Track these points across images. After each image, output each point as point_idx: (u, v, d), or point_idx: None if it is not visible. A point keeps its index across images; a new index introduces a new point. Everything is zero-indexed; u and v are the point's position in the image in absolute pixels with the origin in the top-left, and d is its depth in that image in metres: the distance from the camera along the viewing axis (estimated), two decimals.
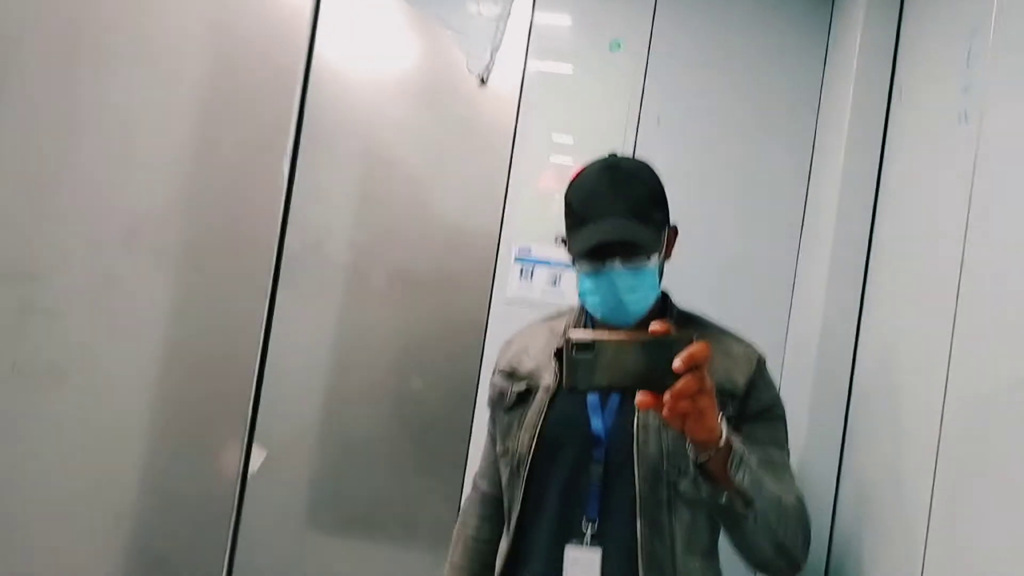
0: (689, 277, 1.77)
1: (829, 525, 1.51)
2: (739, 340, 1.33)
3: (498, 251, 1.88)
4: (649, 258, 1.24)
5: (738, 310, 1.75)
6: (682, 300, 1.40)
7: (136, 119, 1.99)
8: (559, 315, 1.45)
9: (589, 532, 1.26)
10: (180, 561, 1.89)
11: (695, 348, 0.96)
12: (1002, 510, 0.94)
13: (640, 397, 0.97)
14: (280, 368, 1.91)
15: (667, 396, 0.95)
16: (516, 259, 1.88)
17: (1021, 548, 0.88)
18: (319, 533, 1.88)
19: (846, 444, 1.52)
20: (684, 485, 1.23)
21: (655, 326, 0.98)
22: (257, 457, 1.92)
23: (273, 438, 1.90)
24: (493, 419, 1.42)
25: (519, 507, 1.31)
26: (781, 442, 1.28)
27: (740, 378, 1.26)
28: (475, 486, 1.48)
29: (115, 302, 1.96)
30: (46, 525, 1.95)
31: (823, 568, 1.51)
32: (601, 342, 0.99)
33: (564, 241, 1.33)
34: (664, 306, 1.35)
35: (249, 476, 1.88)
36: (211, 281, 1.95)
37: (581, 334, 1.00)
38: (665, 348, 0.97)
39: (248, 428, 1.90)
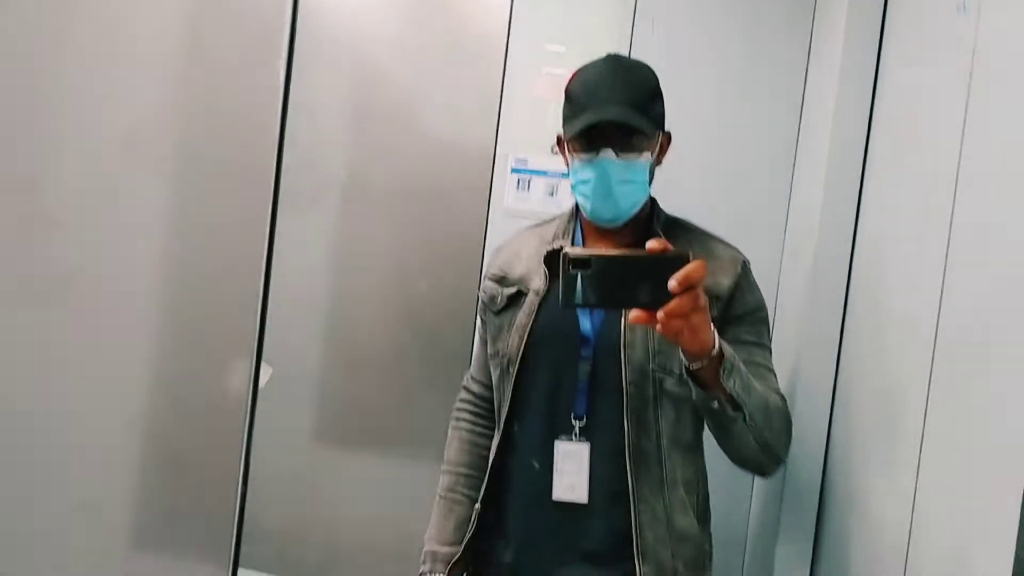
0: (685, 184, 1.77)
1: (826, 426, 1.55)
2: (724, 244, 1.35)
3: (494, 163, 1.86)
4: (643, 152, 1.27)
5: (734, 216, 1.76)
6: (677, 208, 1.41)
7: (129, 25, 1.94)
8: (549, 221, 1.46)
9: (577, 427, 1.30)
10: (194, 469, 1.94)
11: (691, 268, 0.97)
12: (998, 412, 0.96)
13: (633, 315, 0.99)
14: (283, 284, 1.92)
15: (661, 315, 0.97)
16: (512, 170, 1.87)
17: (1016, 446, 0.90)
18: (327, 444, 1.93)
19: (843, 347, 1.54)
20: (670, 383, 1.28)
21: (652, 244, 0.99)
22: (264, 373, 1.95)
23: (279, 353, 1.92)
24: (484, 322, 1.45)
25: (508, 405, 1.36)
26: (765, 343, 1.32)
27: (725, 281, 1.28)
28: (466, 387, 1.52)
29: (116, 212, 1.96)
30: (55, 437, 2.00)
31: (820, 466, 1.55)
32: (598, 258, 0.99)
33: (559, 143, 1.35)
34: (652, 211, 1.37)
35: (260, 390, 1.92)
36: (211, 191, 1.92)
37: (578, 251, 1.01)
38: (661, 266, 0.98)
39: (257, 340, 1.92)
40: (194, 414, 1.93)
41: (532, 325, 1.34)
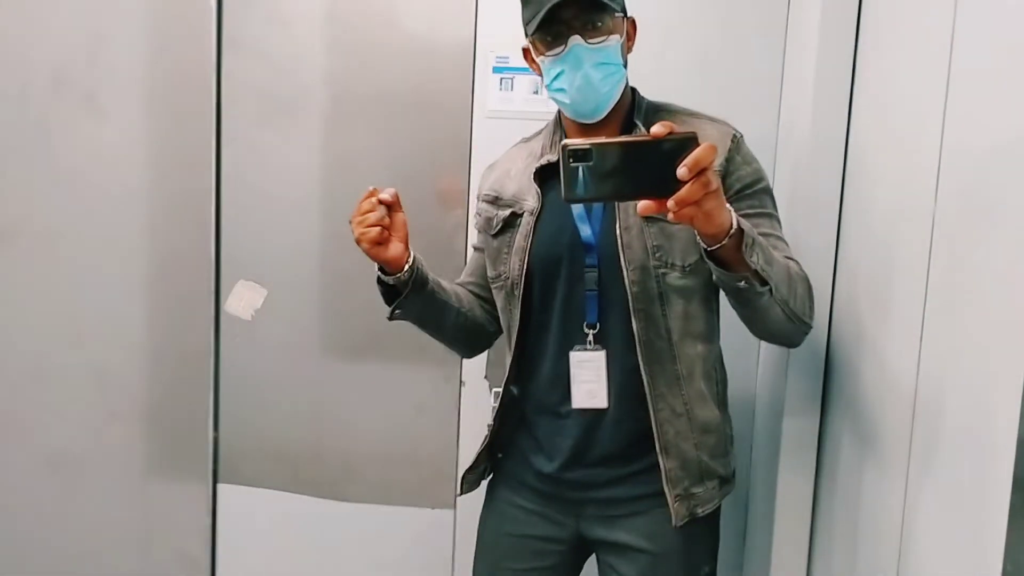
0: (673, 70, 1.73)
1: (830, 293, 1.55)
2: (713, 120, 1.32)
3: (475, 63, 1.81)
4: (612, 33, 1.23)
5: (727, 97, 1.72)
6: (669, 91, 1.37)
7: None
8: (536, 134, 1.44)
9: (591, 336, 1.30)
10: (169, 387, 1.96)
11: (700, 152, 0.92)
12: (999, 264, 0.96)
13: (642, 206, 0.95)
14: (269, 199, 1.90)
15: (671, 203, 0.93)
16: (494, 69, 1.82)
17: (1016, 299, 0.90)
18: (331, 358, 1.93)
19: (843, 213, 1.53)
20: (672, 277, 1.27)
21: (656, 129, 0.93)
22: (258, 295, 1.94)
23: (273, 270, 1.91)
24: (480, 236, 1.45)
25: (519, 325, 1.35)
26: (770, 212, 1.30)
27: (717, 160, 1.24)
28: (461, 284, 1.50)
29: (56, 151, 1.93)
30: (26, 387, 2.01)
31: (826, 335, 1.56)
32: (599, 147, 0.94)
33: (525, 55, 1.32)
34: (633, 100, 1.34)
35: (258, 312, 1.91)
36: (176, 122, 1.90)
37: (577, 141, 0.95)
38: (667, 151, 0.92)
39: (214, 261, 1.91)
40: (163, 320, 1.94)
41: (531, 246, 1.32)
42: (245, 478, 1.97)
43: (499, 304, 1.41)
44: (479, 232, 1.46)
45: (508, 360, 1.39)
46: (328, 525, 1.96)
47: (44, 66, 1.92)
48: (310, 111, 1.87)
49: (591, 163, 0.94)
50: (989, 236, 0.97)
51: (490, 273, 1.41)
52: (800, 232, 1.55)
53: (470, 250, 1.51)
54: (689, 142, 0.92)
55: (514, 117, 1.78)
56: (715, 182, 0.95)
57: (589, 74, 1.23)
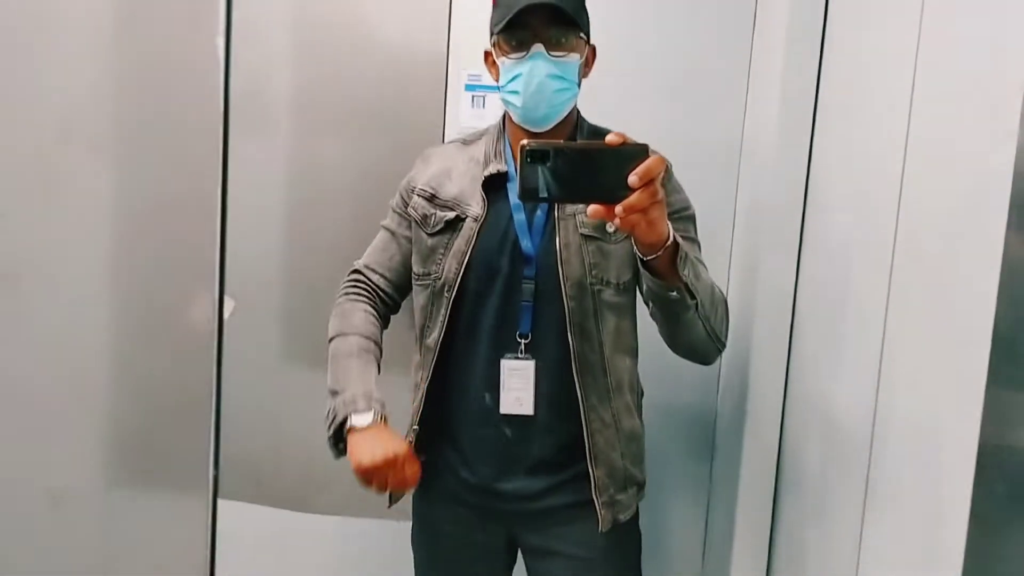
0: (637, 95, 1.76)
1: (790, 315, 1.58)
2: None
3: (447, 80, 1.83)
4: (572, 52, 1.28)
5: (691, 120, 1.76)
6: (628, 121, 1.39)
7: (51, 5, 1.87)
8: (476, 137, 1.46)
9: (523, 345, 1.34)
10: (167, 405, 1.95)
11: (651, 162, 0.99)
12: (960, 292, 0.98)
13: (592, 209, 1.00)
14: (237, 212, 1.90)
15: (619, 209, 0.99)
16: (466, 87, 1.84)
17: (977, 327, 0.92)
18: (296, 367, 1.93)
19: (804, 236, 1.56)
20: (607, 294, 1.32)
21: (611, 137, 1.00)
22: (227, 306, 1.94)
23: (240, 283, 1.92)
24: (400, 223, 1.43)
25: (442, 328, 1.35)
26: (695, 239, 1.37)
27: None
28: (362, 273, 1.47)
29: (61, 196, 1.92)
30: (32, 418, 1.99)
31: (784, 365, 1.59)
32: (557, 149, 1.00)
33: (486, 58, 1.37)
34: (578, 120, 1.39)
35: (225, 323, 1.91)
36: (158, 151, 1.90)
37: (537, 142, 1.01)
38: (621, 159, 0.98)
39: (219, 278, 1.91)
40: (163, 350, 1.93)
41: (471, 251, 1.34)
42: (245, 494, 1.97)
43: (417, 302, 1.42)
44: (403, 220, 1.44)
45: (427, 359, 1.38)
46: (298, 537, 1.96)
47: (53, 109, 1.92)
48: (278, 124, 1.88)
49: (548, 164, 0.99)
50: (950, 263, 1.00)
51: (416, 270, 1.42)
52: (762, 254, 1.59)
53: (381, 235, 1.48)
54: (641, 152, 0.98)
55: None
56: (661, 192, 1.01)
57: (545, 82, 1.27)
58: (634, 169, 0.98)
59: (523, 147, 1.00)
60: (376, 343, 1.40)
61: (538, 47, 1.27)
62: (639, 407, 1.44)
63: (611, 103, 1.49)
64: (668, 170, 1.35)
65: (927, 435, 1.02)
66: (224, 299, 1.93)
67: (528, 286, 1.33)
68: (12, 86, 1.91)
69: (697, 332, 1.24)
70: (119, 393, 1.98)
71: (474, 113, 1.84)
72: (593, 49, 1.37)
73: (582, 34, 1.30)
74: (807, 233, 1.54)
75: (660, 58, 1.78)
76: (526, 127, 1.33)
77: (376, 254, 1.48)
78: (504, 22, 1.26)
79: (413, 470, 1.25)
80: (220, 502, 1.97)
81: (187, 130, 1.89)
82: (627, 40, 1.74)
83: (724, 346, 1.33)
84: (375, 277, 1.47)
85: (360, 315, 1.42)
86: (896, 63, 1.16)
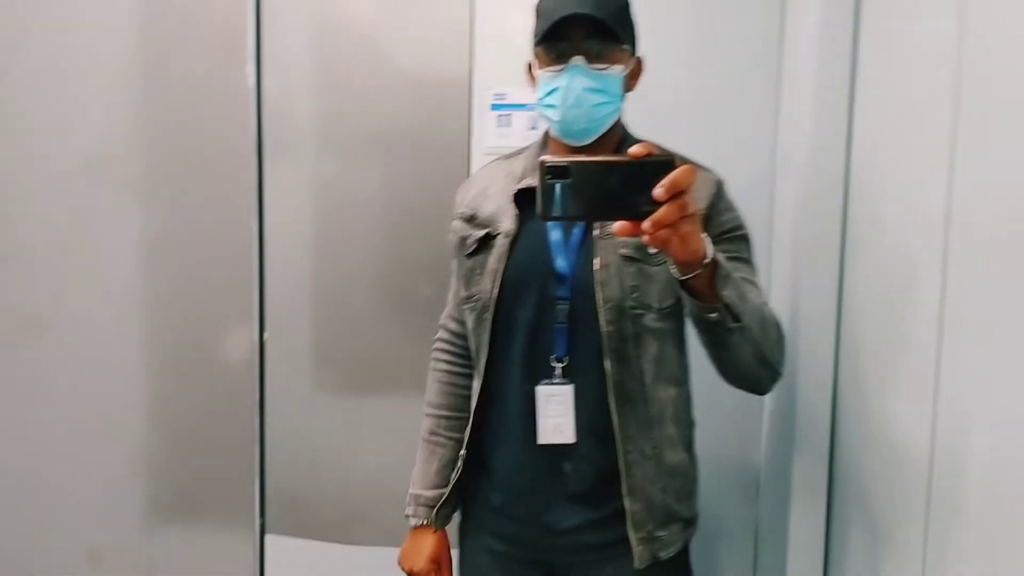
0: (668, 103, 1.71)
1: (833, 344, 1.51)
2: (697, 166, 1.29)
3: (471, 100, 1.79)
4: (614, 63, 1.24)
5: (722, 136, 1.70)
6: (663, 130, 1.35)
7: (78, 45, 1.89)
8: (517, 153, 1.42)
9: (559, 369, 1.28)
10: (210, 440, 1.93)
11: (678, 174, 0.91)
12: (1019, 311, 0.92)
13: (617, 226, 0.94)
14: (270, 248, 1.89)
15: (647, 224, 0.92)
16: (492, 106, 1.80)
17: None
18: (330, 398, 1.91)
19: (844, 261, 1.50)
20: (648, 319, 1.26)
21: (635, 149, 0.93)
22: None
23: (275, 315, 1.90)
24: (458, 262, 1.42)
25: (487, 350, 1.33)
26: (747, 259, 1.29)
27: (699, 203, 1.24)
28: (443, 326, 1.50)
29: (91, 235, 1.93)
30: (72, 425, 1.99)
31: (831, 384, 1.52)
32: (577, 165, 0.94)
33: (529, 71, 1.31)
34: (624, 135, 1.33)
35: (265, 357, 1.90)
36: (189, 184, 1.90)
37: (556, 158, 0.95)
38: (646, 172, 0.92)
39: (258, 310, 1.89)
40: (204, 386, 1.92)
41: (505, 269, 1.30)
42: (295, 528, 1.95)
43: (469, 325, 1.39)
44: (455, 252, 1.43)
45: (476, 384, 1.37)
46: (343, 570, 1.92)
47: (80, 150, 1.92)
48: (304, 152, 1.86)
49: (569, 180, 0.93)
50: (1007, 270, 0.93)
51: (462, 293, 1.39)
52: (802, 273, 1.52)
53: (452, 280, 1.48)
54: (667, 164, 0.92)
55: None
56: (692, 206, 0.94)
57: (583, 96, 1.23)
58: (661, 182, 0.92)
59: (542, 163, 0.94)
60: (445, 416, 1.45)
61: (577, 59, 1.22)
62: (687, 439, 1.35)
63: (640, 113, 1.42)
64: (720, 188, 1.29)
65: (995, 464, 0.95)
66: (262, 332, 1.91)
67: (563, 307, 1.28)
68: (41, 123, 1.92)
69: (745, 358, 1.15)
70: (158, 432, 1.97)
71: (500, 132, 1.80)
72: (639, 61, 1.32)
73: (626, 46, 1.26)
74: (848, 245, 1.48)
75: (689, 66, 1.73)
76: (565, 141, 1.29)
77: (450, 301, 1.49)
78: (543, 33, 1.22)
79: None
80: (265, 537, 1.94)
81: (218, 161, 1.88)
82: (653, 47, 1.69)
83: (779, 374, 1.24)
84: (452, 325, 1.47)
85: (435, 386, 1.47)
86: (937, 54, 1.10)
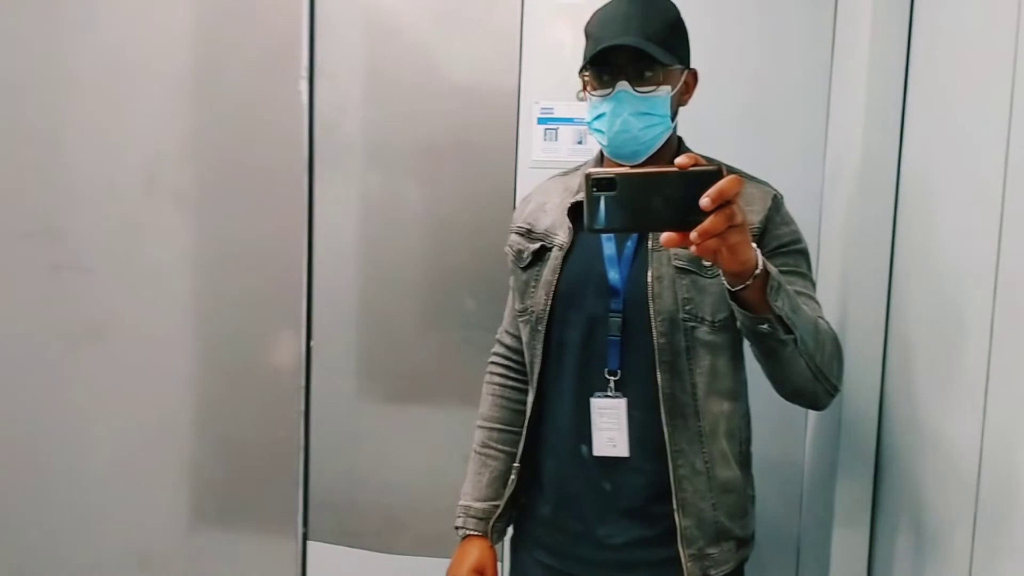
0: (713, 125, 1.70)
1: (880, 360, 1.49)
2: (754, 180, 1.31)
3: (519, 114, 1.81)
4: (661, 84, 1.23)
5: (770, 152, 1.69)
6: (709, 147, 1.34)
7: (134, 58, 1.95)
8: (575, 169, 1.43)
9: (612, 382, 1.28)
10: (255, 445, 1.97)
11: (725, 183, 0.91)
12: None
13: (664, 237, 0.94)
14: (322, 261, 1.92)
15: (694, 235, 0.92)
16: (539, 120, 1.81)
17: None
18: (373, 404, 1.92)
19: (893, 276, 1.48)
20: (702, 332, 1.25)
21: (681, 160, 0.93)
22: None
23: (321, 324, 1.93)
24: (514, 276, 1.43)
25: (540, 363, 1.34)
26: (804, 273, 1.27)
27: (755, 217, 1.24)
28: (499, 341, 1.51)
29: (146, 247, 1.99)
30: (120, 465, 2.04)
31: (877, 399, 1.50)
32: (623, 177, 0.94)
33: (584, 89, 1.31)
34: (679, 151, 1.33)
35: (311, 366, 1.92)
36: (241, 196, 1.94)
37: (601, 170, 0.95)
38: (692, 183, 0.91)
39: (306, 321, 1.92)
40: (251, 394, 1.95)
41: (558, 281, 1.31)
42: (337, 536, 1.96)
43: (524, 339, 1.40)
44: (511, 266, 1.44)
45: (530, 398, 1.37)
46: None
47: (136, 161, 1.97)
48: (352, 164, 1.89)
49: (614, 193, 0.94)
50: None
51: (517, 306, 1.41)
52: (850, 289, 1.50)
53: (509, 294, 1.50)
54: (714, 174, 0.91)
55: (559, 167, 1.76)
56: (740, 216, 0.93)
57: (629, 121, 1.23)
58: (707, 192, 0.91)
59: (587, 176, 0.95)
60: (498, 429, 1.46)
61: (622, 85, 1.22)
62: (741, 456, 1.34)
63: (687, 126, 1.42)
64: (777, 201, 1.29)
65: None
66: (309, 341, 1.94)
67: (615, 320, 1.28)
68: (99, 136, 1.98)
69: (799, 372, 1.14)
70: (206, 439, 2.00)
71: (547, 146, 1.81)
72: (694, 74, 1.31)
73: (674, 66, 1.25)
74: (898, 257, 1.46)
75: (737, 79, 1.73)
76: (617, 162, 1.29)
77: (506, 315, 1.51)
78: (588, 59, 1.23)
79: None
80: (308, 544, 1.96)
81: (270, 174, 1.92)
82: (702, 60, 1.69)
83: (836, 389, 1.22)
84: (508, 339, 1.49)
85: (488, 399, 1.49)
86: (992, 64, 1.08)
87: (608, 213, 0.94)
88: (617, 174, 0.94)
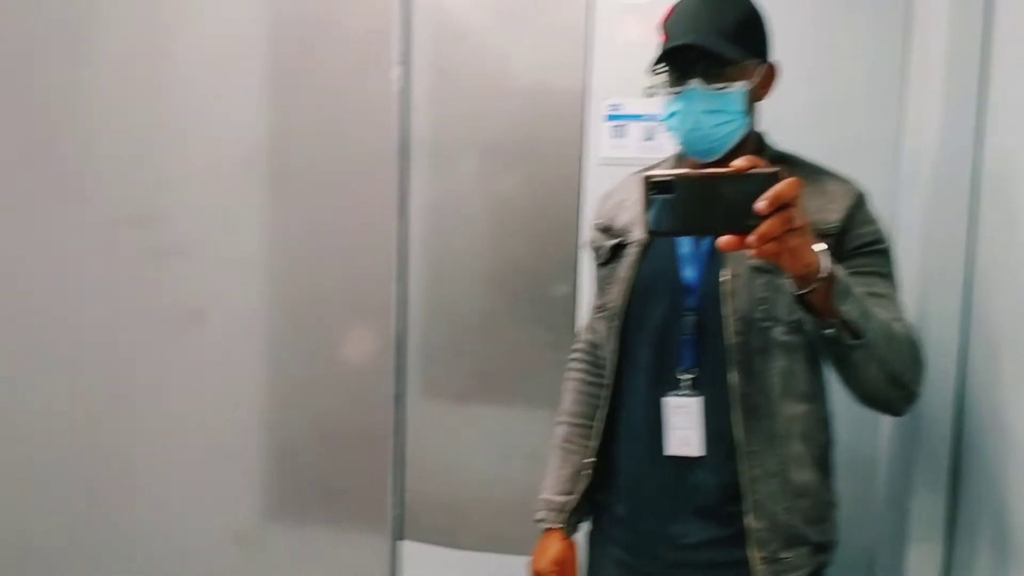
0: (787, 120, 1.66)
1: (955, 360, 1.43)
2: (836, 177, 1.27)
3: (586, 110, 1.80)
4: (734, 80, 1.21)
5: (843, 148, 1.63)
6: (781, 142, 1.33)
7: (230, 45, 2.00)
8: (657, 165, 1.43)
9: (686, 381, 1.27)
10: (348, 444, 1.99)
11: (781, 187, 0.90)
12: None
13: (722, 240, 0.93)
14: (412, 254, 1.94)
15: (751, 238, 0.91)
16: (608, 117, 1.79)
17: None
18: (438, 403, 1.94)
19: (975, 272, 1.42)
20: (778, 332, 1.22)
21: (739, 162, 0.93)
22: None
23: (412, 317, 1.95)
24: (595, 272, 1.44)
25: (615, 360, 1.34)
26: (886, 274, 1.23)
27: (834, 216, 1.21)
28: (581, 336, 1.51)
29: (239, 234, 2.02)
30: (207, 454, 2.07)
31: (951, 400, 1.44)
32: (681, 180, 0.94)
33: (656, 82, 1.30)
34: (759, 147, 1.31)
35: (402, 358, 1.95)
36: (334, 186, 1.96)
37: (659, 173, 0.95)
38: (750, 185, 0.91)
39: (395, 312, 1.94)
40: (340, 385, 1.98)
41: (634, 278, 1.31)
42: (427, 534, 1.98)
43: (601, 334, 1.40)
44: (593, 261, 1.45)
45: (604, 393, 1.37)
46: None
47: (234, 146, 2.00)
48: (419, 162, 1.90)
49: (673, 196, 0.93)
50: None
51: (596, 302, 1.41)
52: (927, 290, 1.46)
53: (584, 301, 1.49)
54: (771, 177, 0.90)
55: (626, 164, 1.75)
56: (799, 219, 0.92)
57: (701, 119, 1.22)
58: (763, 195, 0.91)
59: (646, 179, 0.95)
60: (579, 424, 1.45)
61: (694, 83, 1.21)
62: (819, 459, 1.30)
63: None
64: (860, 200, 1.25)
65: None
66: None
67: (690, 318, 1.27)
68: (197, 123, 2.02)
69: (870, 377, 1.11)
70: (299, 426, 2.02)
71: (615, 143, 1.79)
72: (771, 67, 1.29)
73: (749, 61, 1.23)
74: (979, 254, 1.40)
75: (810, 73, 1.68)
76: (693, 159, 1.29)
77: (589, 312, 1.51)
78: (660, 57, 1.23)
79: None
80: (401, 543, 1.98)
81: (361, 164, 1.93)
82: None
83: (914, 395, 1.18)
84: (589, 335, 1.49)
85: (569, 395, 1.48)
86: None
87: (667, 216, 0.94)
88: (675, 176, 0.94)
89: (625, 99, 1.77)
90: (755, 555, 1.23)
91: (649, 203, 0.95)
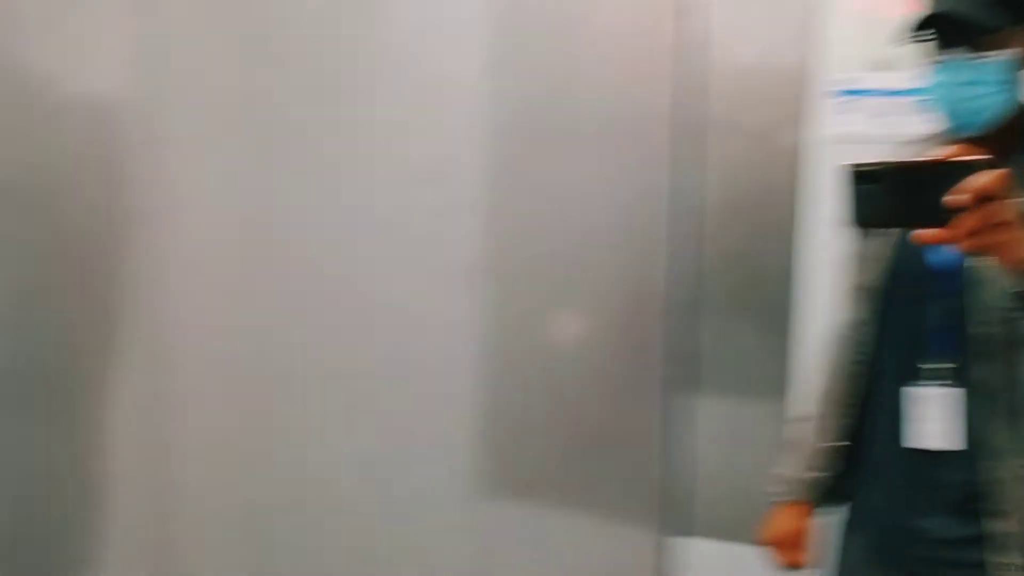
0: None
1: None
2: None
3: (812, 85, 1.72)
4: (994, 48, 1.13)
5: None
6: None
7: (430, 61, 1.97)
8: (916, 143, 1.34)
9: (934, 372, 1.22)
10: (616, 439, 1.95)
11: (980, 179, 0.85)
12: None
13: (920, 232, 0.89)
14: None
15: (948, 232, 0.87)
16: (841, 92, 1.69)
17: None
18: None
19: None
20: None
21: (948, 150, 0.87)
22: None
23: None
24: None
25: (868, 346, 1.32)
26: None
27: None
28: (841, 317, 1.45)
29: (440, 236, 1.94)
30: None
31: None
32: (885, 168, 0.90)
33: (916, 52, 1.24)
34: None
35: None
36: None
37: (864, 162, 0.91)
38: (956, 176, 0.85)
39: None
40: (611, 387, 1.99)
41: (884, 262, 1.28)
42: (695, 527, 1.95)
43: (860, 315, 1.36)
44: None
45: (858, 382, 1.35)
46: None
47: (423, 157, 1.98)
48: (651, 133, 1.87)
49: (878, 185, 0.90)
50: None
51: (854, 283, 1.37)
52: None
53: None
54: (982, 167, 0.85)
55: (855, 141, 1.66)
56: (1003, 214, 0.86)
57: (955, 92, 1.16)
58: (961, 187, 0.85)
59: (851, 168, 0.91)
60: (835, 402, 1.42)
61: (951, 52, 1.15)
62: None
63: None
64: None
65: None
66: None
67: (935, 307, 1.22)
68: (397, 123, 2.01)
69: None
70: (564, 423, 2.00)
71: (843, 120, 1.69)
72: None
73: (1010, 26, 1.13)
74: None
75: None
76: (954, 138, 1.22)
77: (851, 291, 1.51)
78: (916, 28, 1.17)
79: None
80: (671, 539, 1.96)
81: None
82: None
83: None
84: (848, 315, 1.46)
85: (827, 375, 1.45)
86: None
87: (871, 207, 0.91)
88: (880, 165, 0.90)
89: (854, 73, 1.67)
90: (998, 561, 1.18)
91: (851, 193, 0.91)
